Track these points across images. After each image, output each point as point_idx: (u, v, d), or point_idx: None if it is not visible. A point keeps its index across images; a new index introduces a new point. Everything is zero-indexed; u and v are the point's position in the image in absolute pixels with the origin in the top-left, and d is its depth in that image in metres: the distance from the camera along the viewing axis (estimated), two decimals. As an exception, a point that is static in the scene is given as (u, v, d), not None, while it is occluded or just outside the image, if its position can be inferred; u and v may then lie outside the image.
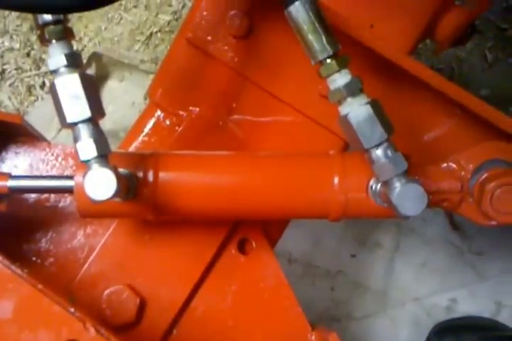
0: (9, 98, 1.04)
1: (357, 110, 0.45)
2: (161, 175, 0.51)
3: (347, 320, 1.16)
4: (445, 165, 0.56)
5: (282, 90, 0.62)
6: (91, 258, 0.57)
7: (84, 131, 0.42)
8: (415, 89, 0.60)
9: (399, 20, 0.62)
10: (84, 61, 1.00)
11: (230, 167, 0.53)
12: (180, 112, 0.64)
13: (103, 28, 1.08)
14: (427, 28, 0.64)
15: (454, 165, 0.56)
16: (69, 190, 0.49)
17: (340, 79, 0.45)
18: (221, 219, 0.56)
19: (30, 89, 1.06)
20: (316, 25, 0.44)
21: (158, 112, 0.65)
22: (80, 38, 1.07)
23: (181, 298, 0.59)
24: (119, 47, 1.05)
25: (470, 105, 0.57)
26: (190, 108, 0.64)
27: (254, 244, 0.64)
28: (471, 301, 1.17)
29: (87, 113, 0.42)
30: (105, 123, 0.99)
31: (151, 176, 0.50)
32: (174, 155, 0.54)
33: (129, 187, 0.48)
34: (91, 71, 0.97)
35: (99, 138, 0.42)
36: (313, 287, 1.15)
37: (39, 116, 1.01)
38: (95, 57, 0.99)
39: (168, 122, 0.65)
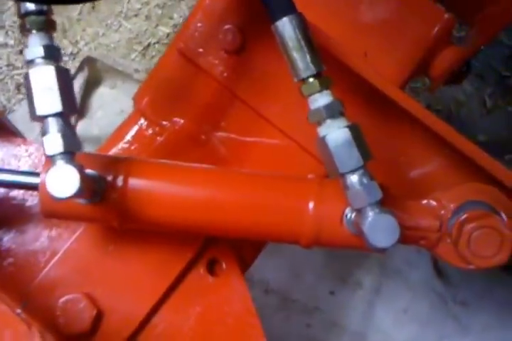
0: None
1: (335, 133, 0.44)
2: (131, 181, 0.49)
3: (320, 360, 1.13)
4: (425, 202, 0.55)
5: (269, 110, 0.61)
6: (52, 262, 0.56)
7: (53, 125, 0.41)
8: (404, 123, 0.60)
9: (394, 51, 0.62)
10: (77, 64, 0.99)
11: (204, 180, 0.52)
12: (164, 122, 0.63)
13: (101, 33, 1.09)
14: (422, 64, 0.64)
15: (434, 203, 0.55)
16: (34, 187, 0.48)
17: (321, 99, 0.45)
18: (188, 232, 0.55)
19: (19, 87, 1.05)
20: (302, 43, 0.44)
21: (142, 120, 0.64)
22: (76, 41, 1.07)
23: (141, 314, 0.57)
24: (115, 54, 1.05)
25: (458, 145, 0.56)
26: (175, 119, 0.63)
27: (224, 266, 0.62)
28: (451, 355, 1.14)
29: (58, 107, 0.41)
30: (92, 129, 0.99)
31: (120, 181, 0.49)
32: (148, 162, 0.53)
33: (96, 189, 0.47)
34: (83, 75, 0.97)
35: (68, 134, 0.41)
36: (289, 322, 1.12)
37: (24, 115, 1.00)
38: (89, 61, 0.98)
39: (150, 131, 0.64)
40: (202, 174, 0.52)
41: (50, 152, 0.40)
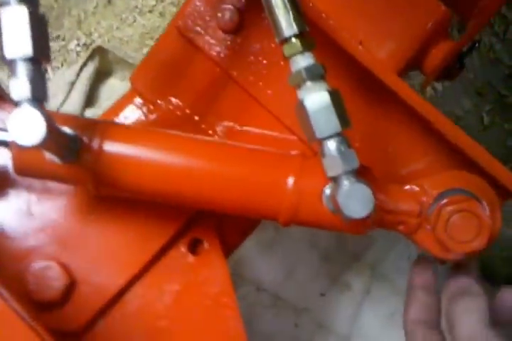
0: (9, 77, 1.05)
1: (314, 96, 0.43)
2: (107, 143, 0.49)
3: (304, 361, 1.12)
4: (408, 187, 0.55)
5: (263, 93, 0.61)
6: (29, 227, 0.56)
7: (22, 69, 0.40)
8: (397, 112, 0.59)
9: (390, 41, 0.61)
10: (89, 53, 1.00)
11: (182, 149, 0.51)
12: (159, 101, 0.63)
13: (115, 27, 1.10)
14: (417, 56, 0.63)
15: (416, 188, 0.54)
16: (4, 143, 0.47)
17: (302, 61, 0.44)
18: (162, 201, 0.54)
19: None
20: (286, 1, 0.44)
21: (137, 98, 0.64)
22: (90, 33, 1.08)
23: (116, 287, 0.57)
24: (127, 47, 1.06)
25: (455, 139, 0.55)
26: (170, 98, 0.63)
27: (206, 246, 0.62)
28: (439, 364, 1.12)
29: (28, 50, 0.40)
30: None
31: (95, 143, 0.48)
32: (126, 127, 0.53)
33: (71, 147, 0.46)
34: (93, 64, 0.98)
35: (38, 81, 0.40)
36: (277, 320, 1.12)
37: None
38: (100, 51, 0.99)
39: (144, 110, 0.64)
40: (181, 142, 0.52)
41: (16, 97, 0.40)
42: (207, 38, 0.61)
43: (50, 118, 0.40)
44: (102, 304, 0.56)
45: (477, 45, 1.14)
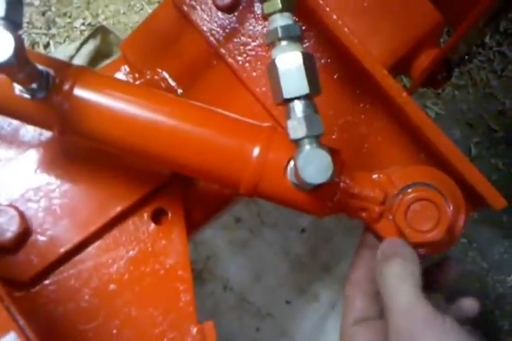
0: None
1: (287, 56, 0.43)
2: (78, 87, 0.49)
3: (261, 367, 1.10)
4: (375, 175, 0.55)
5: (248, 74, 0.61)
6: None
7: None
8: (382, 114, 0.60)
9: (380, 37, 0.62)
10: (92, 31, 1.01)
11: (154, 103, 0.51)
12: (146, 71, 0.64)
13: (122, 12, 1.12)
14: (405, 60, 0.64)
15: (383, 178, 0.54)
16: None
17: (280, 20, 0.45)
18: (124, 152, 0.54)
19: (33, 45, 1.08)
20: None
21: (125, 66, 0.65)
22: (97, 14, 1.10)
23: (70, 243, 0.57)
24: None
25: (440, 146, 0.55)
26: (157, 69, 0.64)
27: (170, 217, 0.61)
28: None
29: None
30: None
31: (67, 85, 0.48)
32: (100, 75, 0.52)
33: (41, 83, 0.46)
34: (94, 42, 0.99)
35: (14, 2, 0.40)
36: (240, 322, 1.11)
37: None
38: (103, 31, 1.00)
39: (129, 78, 0.64)
40: (153, 97, 0.52)
41: None
42: (200, 13, 0.62)
43: (20, 42, 0.40)
44: (55, 257, 0.56)
45: (467, 57, 1.15)
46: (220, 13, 0.62)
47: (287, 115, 0.45)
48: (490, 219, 1.17)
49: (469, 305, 0.55)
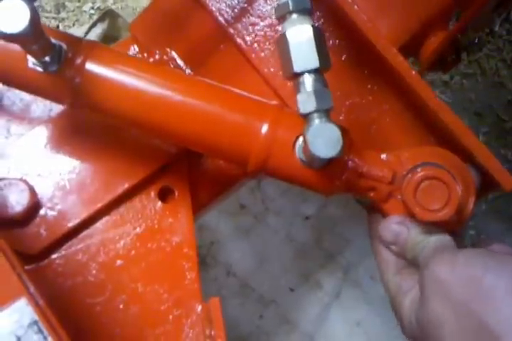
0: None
1: (298, 29, 0.43)
2: (90, 61, 0.49)
3: (264, 354, 1.10)
4: (384, 155, 0.55)
5: (256, 54, 0.61)
6: (6, 146, 0.56)
7: None
8: (391, 94, 0.59)
9: (390, 17, 0.62)
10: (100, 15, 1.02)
11: (164, 78, 0.51)
12: (155, 51, 0.64)
13: (130, -4, 1.12)
14: (414, 41, 0.64)
15: (392, 158, 0.54)
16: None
17: None
18: (134, 127, 0.54)
19: (44, 28, 1.08)
20: None
21: (134, 46, 0.65)
22: (106, -2, 1.10)
23: (78, 218, 0.57)
24: (139, 16, 1.07)
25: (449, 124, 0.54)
26: (166, 49, 0.64)
27: (176, 196, 0.62)
28: (397, 379, 1.11)
29: None
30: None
31: (79, 59, 0.49)
32: (112, 50, 0.52)
33: (54, 56, 0.47)
34: (102, 26, 0.99)
35: None
36: (243, 308, 1.11)
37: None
38: (111, 15, 1.01)
39: (139, 57, 0.64)
40: (163, 73, 0.52)
41: None
42: (209, -8, 0.62)
43: (35, 13, 0.40)
44: (63, 232, 0.56)
45: (477, 41, 1.15)
46: (230, -7, 0.62)
47: (297, 89, 0.45)
48: (498, 211, 1.17)
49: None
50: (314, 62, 0.43)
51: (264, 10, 0.62)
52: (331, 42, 0.61)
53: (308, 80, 0.44)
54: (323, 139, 0.43)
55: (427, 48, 0.65)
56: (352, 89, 0.61)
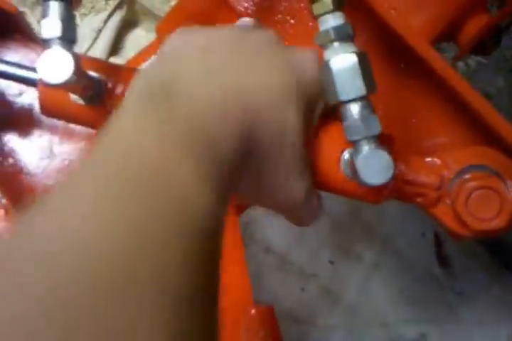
0: (38, 22, 1.04)
1: (341, 57, 0.42)
2: None
3: (307, 326, 1.12)
4: (429, 159, 0.53)
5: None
6: (50, 167, 0.56)
7: (54, 9, 0.40)
8: (426, 83, 0.58)
9: (424, 9, 0.59)
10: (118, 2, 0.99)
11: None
12: (183, 54, 0.62)
13: (144, -21, 1.08)
14: (450, 28, 0.61)
15: (438, 162, 0.53)
16: (32, 83, 0.48)
17: (332, 20, 0.43)
18: None
19: None
20: None
21: (162, 49, 0.63)
22: (120, -16, 1.06)
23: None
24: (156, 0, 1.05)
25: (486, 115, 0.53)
26: (194, 52, 0.62)
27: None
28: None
29: None
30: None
31: (119, 89, 0.48)
32: None
33: (95, 90, 0.46)
34: (121, 13, 0.97)
35: (69, 21, 0.40)
36: (284, 283, 1.13)
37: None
38: (128, 1, 0.98)
39: (168, 61, 0.63)
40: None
41: (47, 35, 0.40)
42: (235, -9, 0.60)
43: (77, 60, 0.39)
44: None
45: None
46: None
47: (343, 116, 0.43)
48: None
49: None
50: (360, 90, 0.41)
51: (292, 7, 0.60)
52: (364, 36, 0.59)
53: (354, 107, 0.42)
54: (374, 167, 0.42)
55: (466, 35, 0.63)
56: (388, 84, 0.60)
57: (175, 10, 0.64)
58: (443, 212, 0.53)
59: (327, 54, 0.43)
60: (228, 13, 0.61)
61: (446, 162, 0.53)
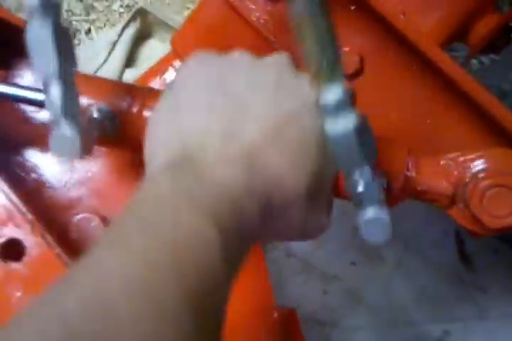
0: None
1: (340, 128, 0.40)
2: (148, 110, 0.49)
3: (332, 328, 1.13)
4: (444, 161, 0.54)
5: (299, 62, 0.60)
6: (72, 182, 0.58)
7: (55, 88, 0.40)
8: (438, 85, 0.58)
9: (433, 11, 0.60)
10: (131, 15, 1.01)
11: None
12: (199, 67, 0.63)
13: (158, -11, 1.10)
14: (462, 28, 0.62)
15: (452, 164, 0.54)
16: (40, 104, 0.48)
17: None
18: None
19: (75, 33, 1.08)
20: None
21: (177, 61, 0.65)
22: (134, -5, 1.09)
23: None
24: (169, 10, 1.06)
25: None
26: (209, 63, 0.63)
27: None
28: (465, 337, 1.13)
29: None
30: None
31: (135, 108, 0.49)
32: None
33: (107, 127, 0.47)
34: (135, 25, 0.98)
35: (70, 97, 0.41)
36: (306, 286, 1.13)
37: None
38: (142, 13, 1.00)
39: (183, 74, 0.64)
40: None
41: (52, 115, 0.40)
42: (248, 3, 0.61)
43: (86, 130, 0.40)
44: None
45: None
46: (267, 2, 0.61)
47: (346, 183, 0.43)
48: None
49: None
50: (360, 162, 0.41)
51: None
52: (375, 41, 0.60)
53: (355, 178, 0.42)
54: (375, 229, 0.44)
55: (476, 35, 0.63)
56: (403, 85, 0.60)
57: (189, 22, 0.65)
58: (459, 213, 0.54)
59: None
60: (243, 26, 0.62)
61: (460, 164, 0.54)
